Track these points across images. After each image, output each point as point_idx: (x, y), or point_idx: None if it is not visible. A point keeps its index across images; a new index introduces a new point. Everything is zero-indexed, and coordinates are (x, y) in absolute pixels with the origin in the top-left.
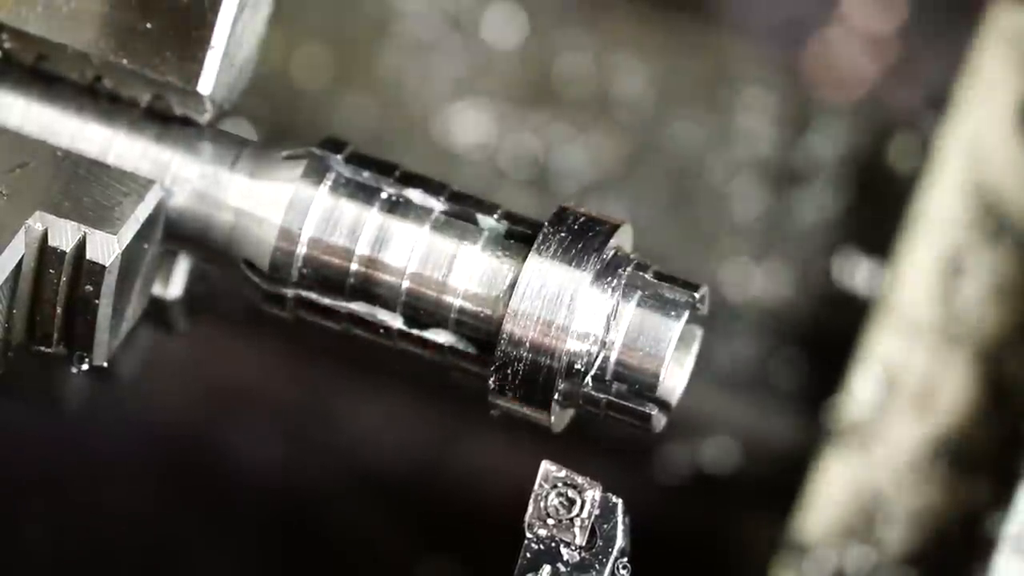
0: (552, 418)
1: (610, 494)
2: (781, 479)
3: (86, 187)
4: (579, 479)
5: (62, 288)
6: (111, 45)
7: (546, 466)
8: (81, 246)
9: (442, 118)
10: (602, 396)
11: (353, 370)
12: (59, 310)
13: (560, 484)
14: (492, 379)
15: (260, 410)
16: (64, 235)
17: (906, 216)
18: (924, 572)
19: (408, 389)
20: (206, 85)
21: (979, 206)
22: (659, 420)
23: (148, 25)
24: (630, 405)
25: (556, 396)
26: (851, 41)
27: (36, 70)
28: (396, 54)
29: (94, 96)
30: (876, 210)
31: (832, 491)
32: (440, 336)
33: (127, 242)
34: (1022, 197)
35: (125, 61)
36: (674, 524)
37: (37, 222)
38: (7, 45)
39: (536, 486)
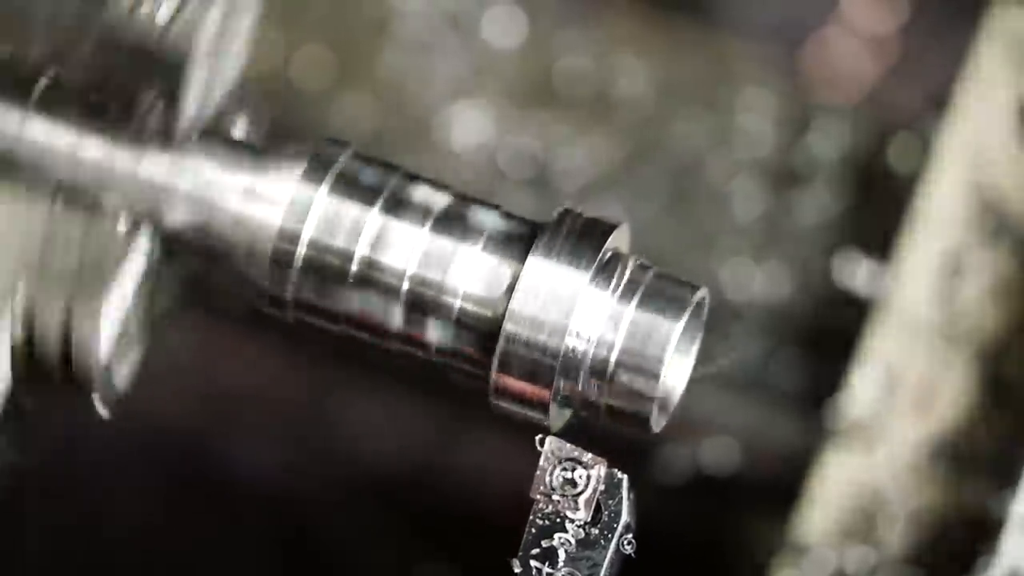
0: (550, 418)
1: (615, 470)
2: (781, 479)
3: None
4: (585, 455)
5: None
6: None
7: (551, 441)
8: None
9: (442, 118)
10: (601, 397)
11: (353, 372)
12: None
13: (565, 460)
14: (491, 379)
15: (259, 413)
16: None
17: (906, 216)
18: (924, 572)
19: (408, 391)
20: (196, 96)
21: (979, 206)
22: (658, 421)
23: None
24: (629, 406)
25: (555, 396)
26: (851, 41)
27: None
28: (396, 54)
29: (88, 108)
30: (876, 210)
31: (832, 491)
32: (440, 337)
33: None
34: (1022, 197)
35: (115, 73)
36: (674, 525)
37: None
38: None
39: (541, 461)
